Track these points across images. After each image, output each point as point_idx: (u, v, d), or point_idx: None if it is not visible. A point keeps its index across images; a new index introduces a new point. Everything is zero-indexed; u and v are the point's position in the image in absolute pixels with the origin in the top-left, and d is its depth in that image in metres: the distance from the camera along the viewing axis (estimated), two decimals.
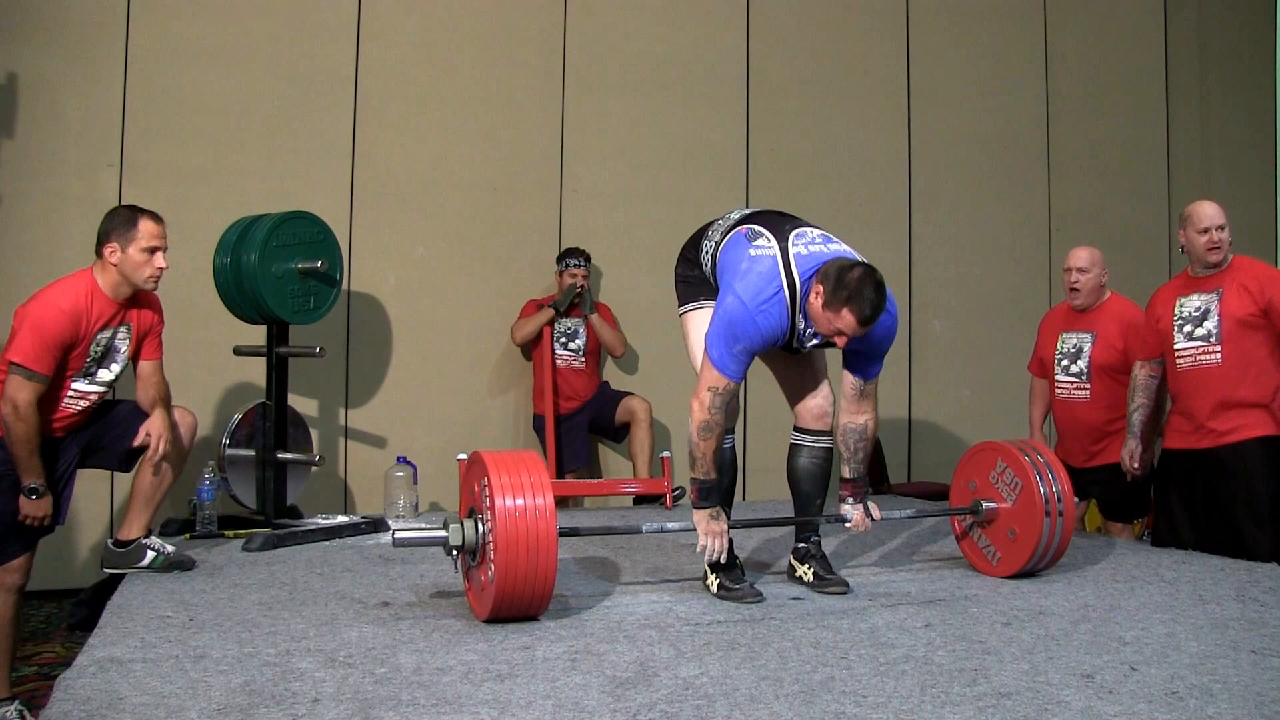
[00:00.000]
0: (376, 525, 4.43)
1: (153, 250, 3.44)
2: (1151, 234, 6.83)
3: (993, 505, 3.50)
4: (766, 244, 3.11)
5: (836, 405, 3.41)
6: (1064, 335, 4.54)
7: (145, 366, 3.61)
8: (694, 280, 3.36)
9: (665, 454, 5.19)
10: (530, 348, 5.51)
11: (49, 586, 4.71)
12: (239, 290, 4.33)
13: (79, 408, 3.50)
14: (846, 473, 3.36)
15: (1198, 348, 3.95)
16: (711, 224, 3.36)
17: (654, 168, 5.92)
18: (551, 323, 5.43)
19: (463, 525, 2.91)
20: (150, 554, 3.55)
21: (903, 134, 6.41)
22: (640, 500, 5.33)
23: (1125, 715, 2.15)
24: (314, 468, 4.63)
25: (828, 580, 3.29)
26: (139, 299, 3.56)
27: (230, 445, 4.41)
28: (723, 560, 3.21)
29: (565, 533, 3.03)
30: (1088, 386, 4.44)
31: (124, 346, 3.54)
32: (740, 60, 6.11)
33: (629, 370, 5.81)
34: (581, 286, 5.44)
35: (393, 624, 2.87)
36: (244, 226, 4.37)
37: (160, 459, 3.52)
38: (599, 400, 5.52)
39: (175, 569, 3.55)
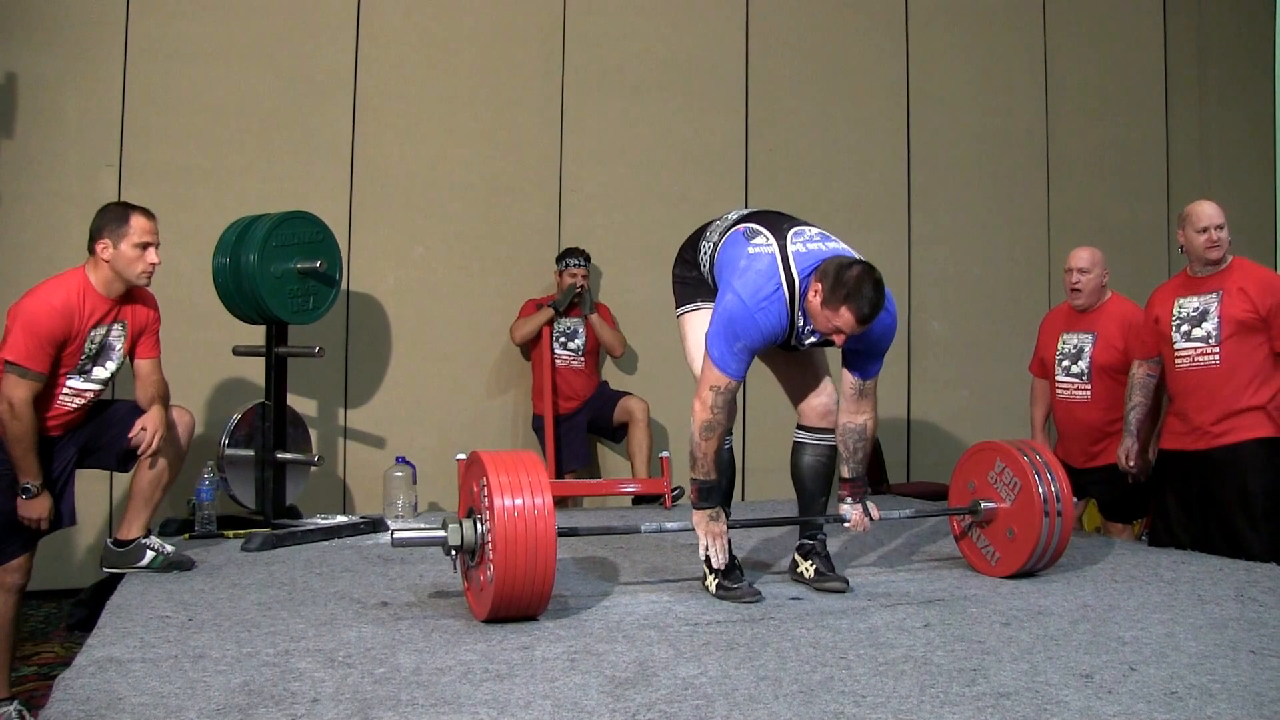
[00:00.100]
0: (375, 525, 4.43)
1: (145, 245, 3.44)
2: (1150, 234, 6.83)
3: (991, 505, 3.51)
4: (765, 242, 3.11)
5: (837, 403, 3.41)
6: (1065, 336, 4.54)
7: (143, 365, 3.61)
8: (691, 281, 3.37)
9: (664, 454, 5.19)
10: (529, 347, 5.51)
11: (48, 586, 4.71)
12: (238, 290, 4.33)
13: (74, 406, 3.50)
14: (845, 472, 3.36)
15: (1196, 348, 3.96)
16: (709, 225, 3.37)
17: (653, 167, 5.92)
18: (551, 322, 5.43)
19: (461, 525, 2.91)
20: (149, 554, 3.55)
21: (902, 134, 6.41)
22: (639, 500, 5.34)
23: (1124, 715, 2.15)
24: (313, 468, 4.63)
25: (827, 577, 3.30)
26: (134, 296, 3.56)
27: (229, 445, 4.41)
28: (722, 561, 3.21)
29: (564, 533, 3.03)
30: (1088, 387, 4.44)
31: (119, 344, 3.54)
32: (739, 60, 6.11)
33: (628, 370, 5.81)
34: (581, 286, 5.44)
35: (392, 624, 2.87)
36: (243, 226, 4.37)
37: (154, 454, 3.52)
38: (598, 400, 5.52)
39: (174, 569, 3.55)
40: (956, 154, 6.51)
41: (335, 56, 5.42)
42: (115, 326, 3.52)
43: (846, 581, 3.30)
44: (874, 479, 5.70)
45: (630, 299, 5.73)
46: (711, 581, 3.23)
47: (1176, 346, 4.01)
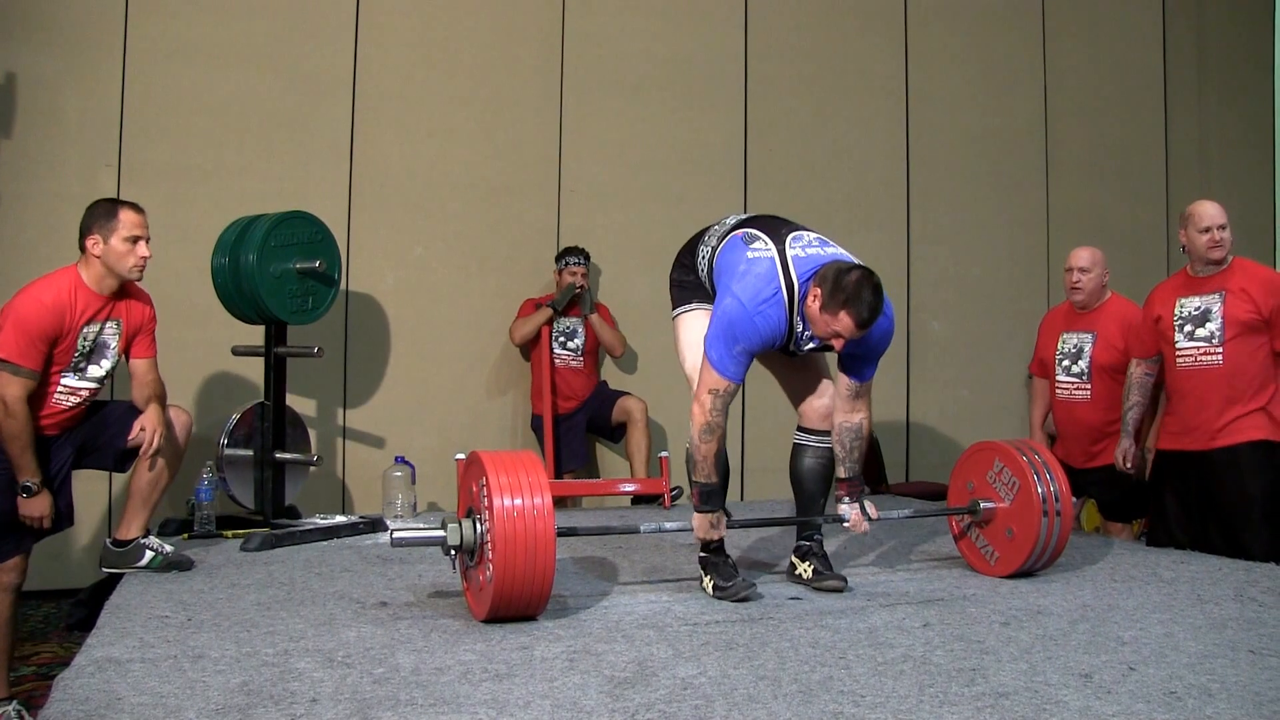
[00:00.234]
0: (375, 525, 4.43)
1: (135, 239, 3.44)
2: (1149, 234, 6.83)
3: (990, 505, 3.51)
4: (764, 247, 3.11)
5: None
6: (1065, 335, 4.54)
7: (139, 365, 3.61)
8: (688, 284, 3.37)
9: (663, 454, 5.19)
10: (529, 348, 5.51)
11: (47, 586, 4.72)
12: (237, 290, 4.33)
13: (70, 404, 3.50)
14: (842, 472, 3.36)
15: (1199, 348, 3.95)
16: (707, 229, 3.37)
17: (652, 167, 5.91)
18: (550, 322, 5.43)
19: (461, 525, 2.91)
20: (148, 554, 3.54)
21: (901, 134, 6.41)
22: (638, 500, 5.34)
23: (1123, 715, 2.15)
24: (312, 468, 4.63)
25: (826, 576, 3.30)
26: (128, 294, 3.56)
27: (228, 445, 4.41)
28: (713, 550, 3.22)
29: (563, 533, 3.03)
30: (1088, 387, 4.44)
31: (113, 342, 3.54)
32: (738, 60, 6.11)
33: (628, 370, 5.81)
34: (581, 286, 5.44)
35: (391, 624, 2.87)
36: (242, 226, 4.37)
37: (154, 454, 3.52)
38: (596, 400, 5.52)
39: (173, 569, 3.54)
40: (956, 154, 6.51)
41: (334, 56, 5.42)
42: (109, 324, 3.51)
43: (845, 580, 3.31)
44: (873, 479, 5.70)
45: (629, 299, 5.73)
46: (708, 583, 3.23)
47: (1179, 346, 4.00)
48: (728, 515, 3.25)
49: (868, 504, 3.37)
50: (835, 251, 3.14)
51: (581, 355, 5.50)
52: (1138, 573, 3.57)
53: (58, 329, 3.37)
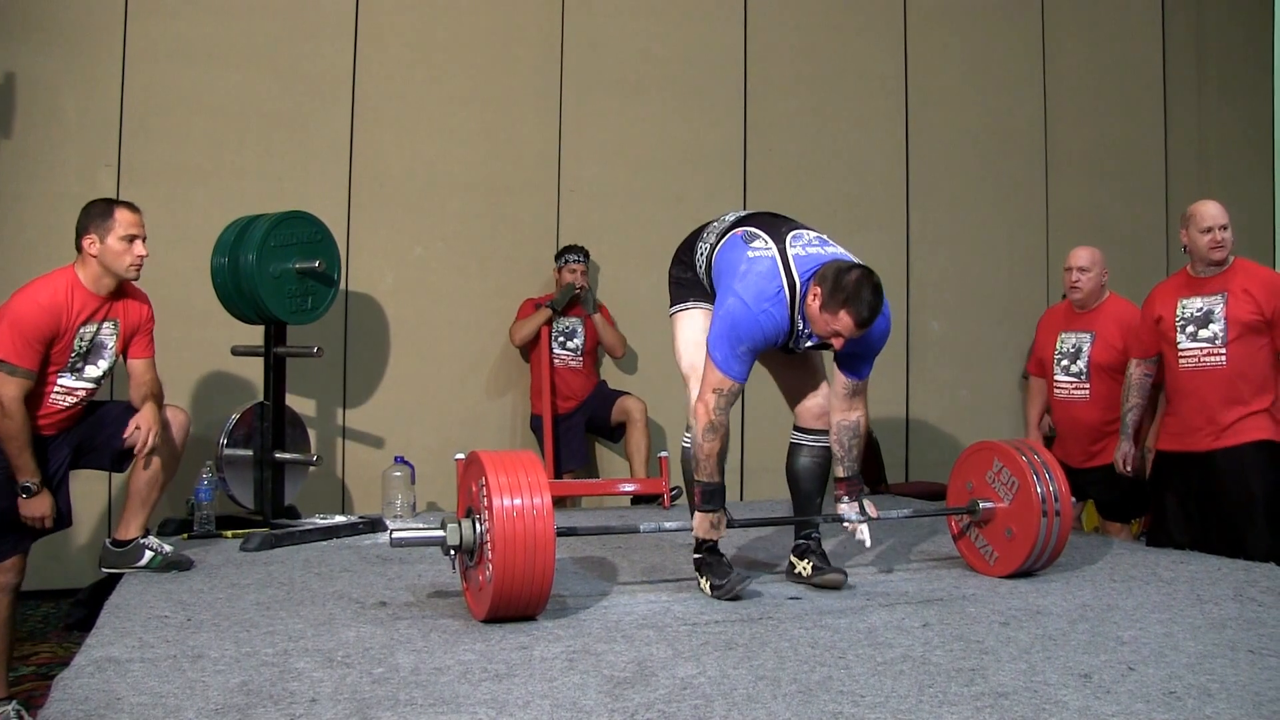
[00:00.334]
0: (374, 525, 4.42)
1: (131, 238, 3.44)
2: (1149, 234, 6.83)
3: (990, 505, 3.51)
4: (764, 245, 3.12)
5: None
6: (1063, 335, 4.54)
7: (136, 365, 3.61)
8: (686, 282, 3.37)
9: (663, 454, 5.19)
10: (528, 348, 5.51)
11: (47, 586, 4.72)
12: (237, 290, 4.33)
13: (67, 404, 3.49)
14: (841, 471, 3.36)
15: (1203, 349, 3.93)
16: (706, 226, 3.37)
17: (651, 167, 5.91)
18: (549, 322, 5.43)
19: (460, 525, 2.91)
20: (148, 554, 3.54)
21: (900, 133, 6.41)
22: (638, 500, 5.33)
23: (1123, 715, 2.15)
24: (312, 468, 4.63)
25: (825, 570, 3.30)
26: (125, 293, 3.56)
27: (228, 445, 4.41)
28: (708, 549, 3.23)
29: (563, 533, 3.04)
30: (1087, 386, 4.44)
31: (111, 342, 3.54)
32: (738, 60, 6.10)
33: (628, 370, 5.81)
34: (582, 286, 5.44)
35: (390, 624, 2.87)
36: (242, 226, 4.37)
37: (149, 452, 3.51)
38: (595, 399, 5.52)
39: (173, 569, 3.54)
40: (955, 153, 6.50)
41: (334, 57, 5.42)
42: (106, 324, 3.51)
43: (844, 574, 3.31)
44: (872, 479, 5.70)
45: (628, 298, 5.73)
46: (705, 584, 3.23)
47: (1181, 347, 3.98)
48: (729, 516, 3.25)
49: (867, 503, 3.38)
50: (835, 251, 3.15)
51: (581, 355, 5.50)
52: (1137, 573, 3.57)
53: (54, 329, 3.37)
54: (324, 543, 4.16)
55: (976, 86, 6.57)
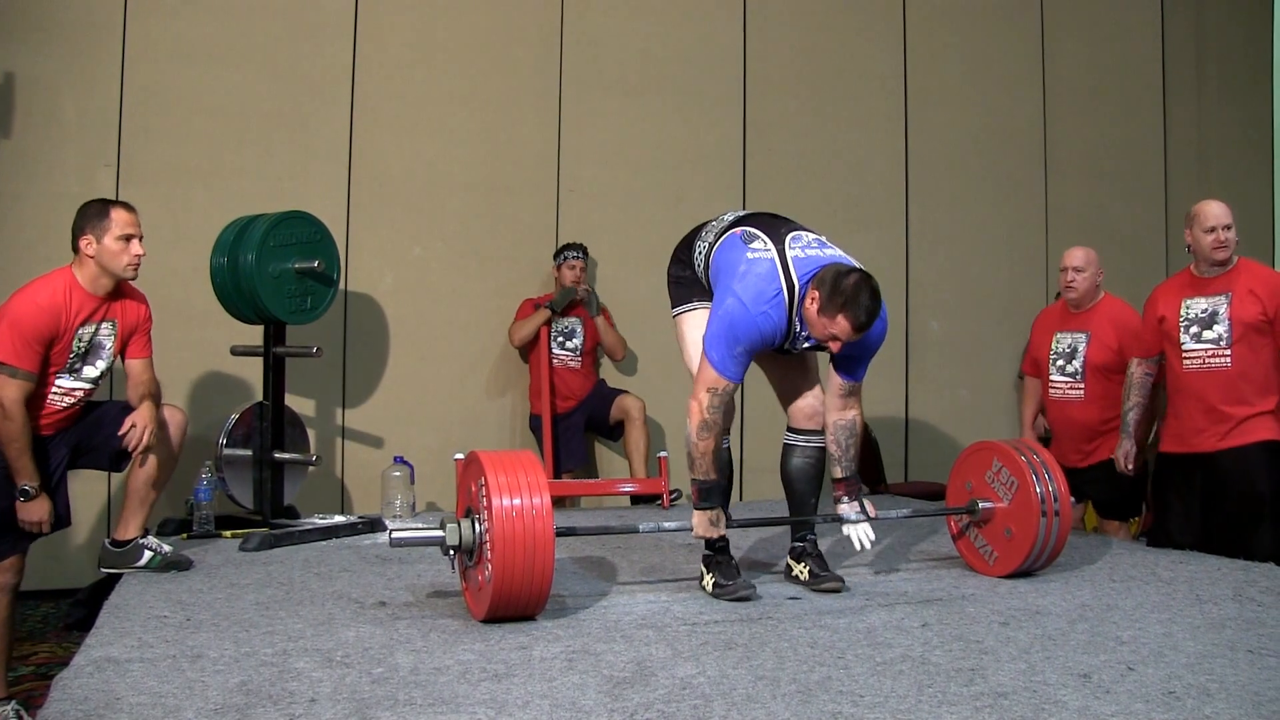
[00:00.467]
0: (373, 525, 4.42)
1: (128, 238, 3.44)
2: (1148, 234, 6.83)
3: (989, 505, 3.51)
4: (763, 247, 3.12)
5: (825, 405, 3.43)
6: (1058, 335, 4.54)
7: (134, 365, 3.61)
8: (686, 281, 3.37)
9: (663, 454, 5.19)
10: (527, 348, 5.51)
11: (46, 586, 4.71)
12: (236, 290, 4.32)
13: (65, 405, 3.49)
14: (839, 471, 3.36)
15: (1207, 350, 3.91)
16: (705, 225, 3.37)
17: (651, 167, 5.92)
18: (549, 323, 5.43)
19: (460, 525, 2.91)
20: (147, 554, 3.54)
21: (900, 133, 6.41)
22: (636, 500, 5.33)
23: (1122, 715, 2.15)
24: (311, 468, 4.63)
25: (823, 577, 3.30)
26: (123, 294, 3.56)
27: (227, 445, 4.41)
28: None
29: (562, 532, 3.04)
30: (1082, 386, 4.44)
31: (109, 342, 3.53)
32: (737, 60, 6.10)
33: (628, 370, 5.81)
34: (586, 289, 5.44)
35: (390, 624, 2.87)
36: (241, 226, 4.37)
37: (145, 449, 3.51)
38: (594, 398, 5.52)
39: (172, 569, 3.54)
40: (954, 153, 6.50)
41: (333, 57, 5.42)
42: (104, 325, 3.51)
43: (842, 580, 3.31)
44: (872, 479, 5.70)
45: (628, 298, 5.73)
46: (708, 581, 3.23)
47: (1185, 348, 3.96)
48: (727, 515, 3.25)
49: (866, 503, 3.38)
50: (834, 253, 3.16)
51: (580, 355, 5.50)
52: (1136, 573, 3.57)
53: (54, 330, 3.36)
54: (323, 543, 4.16)
55: (976, 86, 6.57)
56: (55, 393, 3.46)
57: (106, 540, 3.60)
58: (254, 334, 4.57)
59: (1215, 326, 3.89)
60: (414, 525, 4.30)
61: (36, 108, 4.96)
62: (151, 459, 3.54)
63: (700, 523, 3.19)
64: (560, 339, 5.47)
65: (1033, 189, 6.67)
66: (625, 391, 5.53)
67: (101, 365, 3.54)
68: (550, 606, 2.95)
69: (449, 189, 5.60)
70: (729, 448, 3.31)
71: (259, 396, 4.52)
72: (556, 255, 5.54)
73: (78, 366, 3.48)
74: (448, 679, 2.38)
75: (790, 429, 3.45)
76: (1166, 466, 4.10)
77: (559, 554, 3.07)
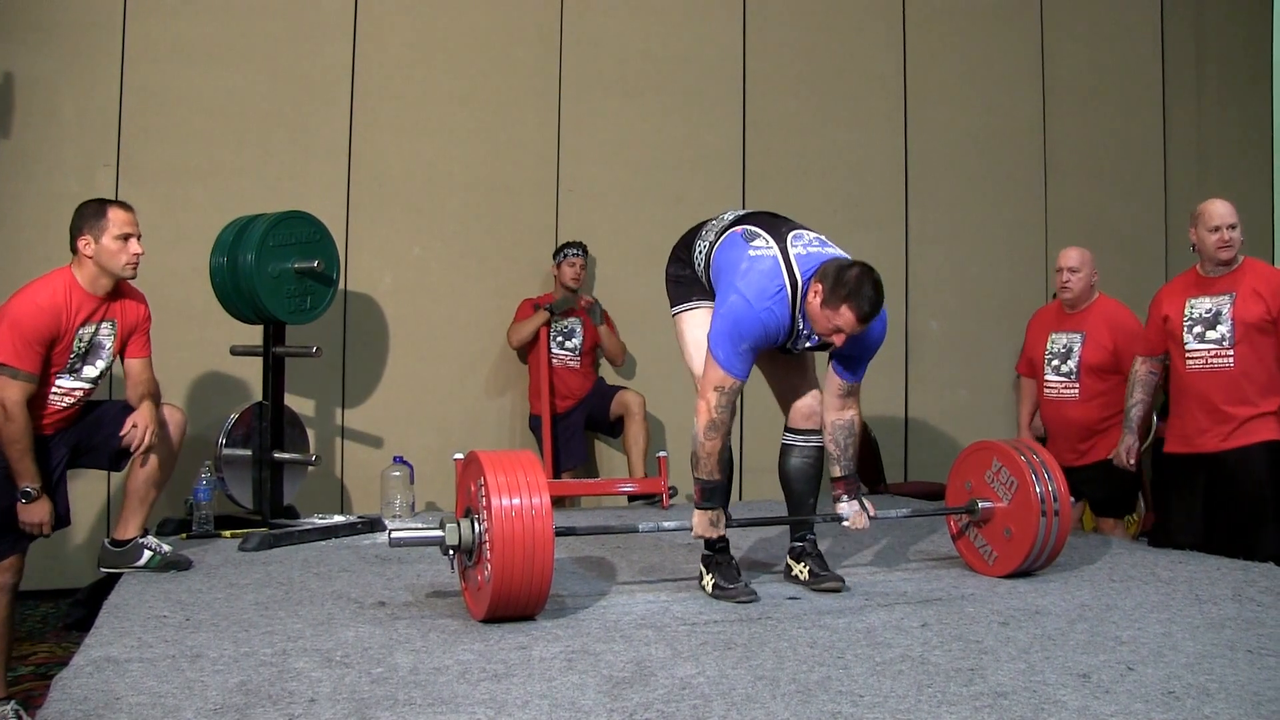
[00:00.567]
0: (373, 525, 4.42)
1: (126, 237, 3.43)
2: (1148, 234, 6.83)
3: (989, 504, 3.51)
4: (765, 244, 3.12)
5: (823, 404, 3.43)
6: (1054, 335, 4.56)
7: (133, 364, 3.60)
8: (686, 280, 3.37)
9: (662, 454, 5.18)
10: (526, 348, 5.51)
11: (45, 586, 4.71)
12: (235, 290, 4.32)
13: (64, 405, 3.49)
14: (838, 470, 3.37)
15: (1210, 350, 3.89)
16: (704, 224, 3.37)
17: (650, 167, 5.92)
18: (548, 324, 5.42)
19: (459, 525, 2.91)
20: (147, 554, 3.54)
21: (899, 134, 6.41)
22: (634, 499, 5.33)
23: (1122, 715, 2.15)
24: (310, 467, 4.63)
25: (823, 577, 3.30)
26: (122, 294, 3.56)
27: (227, 445, 4.41)
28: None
29: (561, 532, 3.04)
30: (1077, 385, 4.46)
31: (108, 342, 3.53)
32: (736, 60, 6.10)
33: (627, 370, 5.80)
34: (589, 301, 5.44)
35: (389, 624, 2.87)
36: (240, 226, 4.37)
37: (146, 450, 3.51)
38: (594, 396, 5.52)
39: (172, 569, 3.54)
40: (954, 153, 6.50)
41: (333, 56, 5.42)
42: (104, 325, 3.51)
43: (842, 580, 3.31)
44: (871, 478, 5.70)
45: (627, 298, 5.73)
46: (709, 581, 3.23)
47: (1188, 348, 3.94)
48: (728, 515, 3.25)
49: (866, 502, 3.38)
50: (835, 251, 3.17)
51: (579, 355, 5.50)
52: (1136, 572, 3.57)
53: (54, 331, 3.36)
54: (323, 543, 4.16)
55: (976, 86, 6.57)
56: (55, 393, 3.45)
57: (106, 540, 3.60)
58: (253, 334, 4.57)
59: (1218, 326, 3.88)
60: (413, 525, 4.30)
61: (36, 107, 4.96)
62: (152, 459, 3.55)
63: (700, 522, 3.19)
64: (560, 339, 5.47)
65: (1032, 189, 6.67)
66: (625, 387, 5.53)
67: (101, 365, 3.54)
68: (550, 606, 2.95)
69: (449, 189, 5.60)
70: (729, 447, 3.31)
71: (258, 396, 4.52)
72: (556, 254, 5.54)
73: (77, 366, 3.48)
74: (447, 679, 2.38)
75: (788, 429, 3.45)
76: (1170, 467, 4.09)
77: (558, 554, 3.07)
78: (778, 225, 3.22)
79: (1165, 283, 6.58)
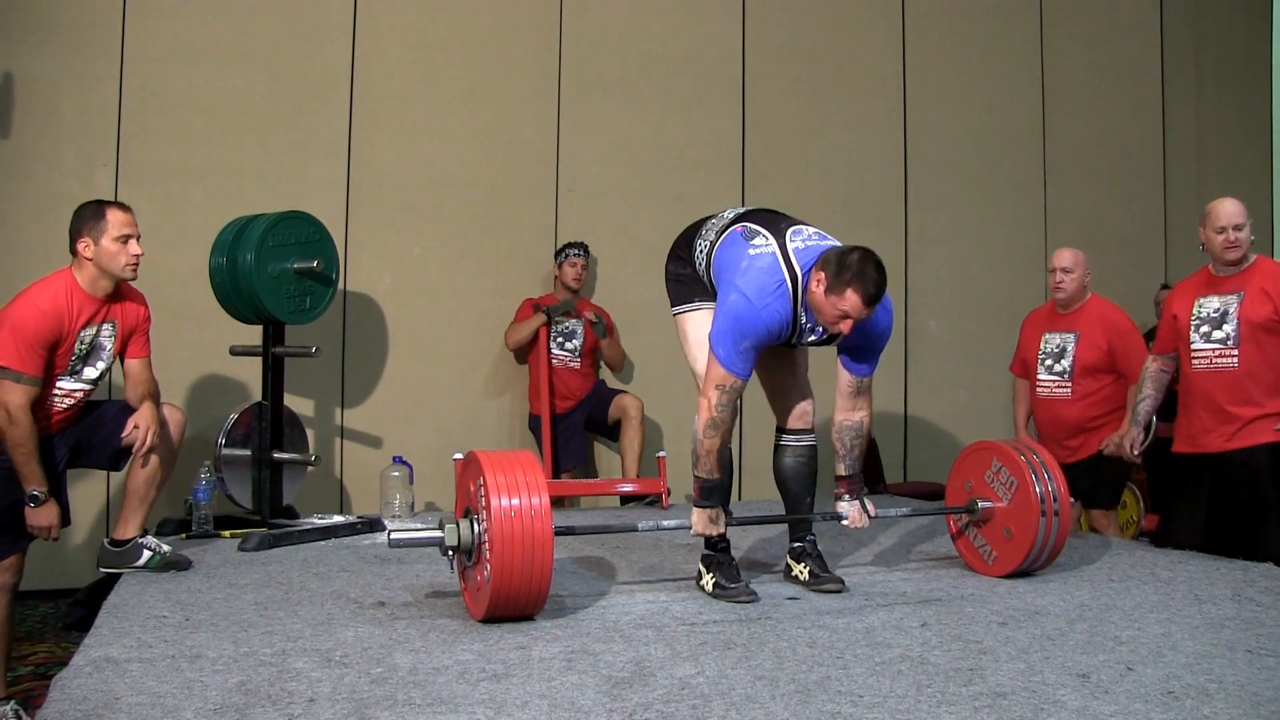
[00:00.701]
0: (372, 525, 4.42)
1: (125, 238, 3.43)
2: (1147, 234, 6.84)
3: (988, 504, 3.51)
4: (764, 242, 3.12)
5: (819, 406, 3.43)
6: (1047, 336, 4.59)
7: (133, 365, 3.60)
8: (686, 279, 3.37)
9: (661, 454, 5.18)
10: (526, 349, 5.51)
11: (45, 586, 4.71)
12: (235, 290, 4.32)
13: (64, 406, 3.49)
14: (841, 470, 3.37)
15: (1214, 350, 3.87)
16: (704, 223, 3.37)
17: (650, 167, 5.92)
18: (546, 325, 5.42)
19: (458, 525, 2.91)
20: (146, 554, 3.54)
21: (899, 133, 6.41)
22: (627, 500, 5.32)
23: (1121, 715, 2.15)
24: (310, 468, 4.63)
25: (823, 578, 3.30)
26: (122, 295, 3.55)
27: (226, 445, 4.41)
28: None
29: (561, 532, 3.04)
30: (1069, 385, 4.48)
31: (109, 344, 3.53)
32: (736, 60, 6.11)
33: (626, 372, 5.80)
34: (593, 317, 5.44)
35: (389, 624, 2.87)
36: (240, 226, 4.37)
37: (148, 451, 3.51)
38: (593, 398, 5.52)
39: (171, 569, 3.54)
40: (953, 153, 6.51)
41: (332, 56, 5.42)
42: (105, 326, 3.51)
43: (842, 582, 3.31)
44: (870, 478, 5.68)
45: (627, 298, 5.73)
46: (708, 581, 3.23)
47: (1194, 347, 3.91)
48: (728, 514, 3.25)
49: (867, 502, 3.38)
50: (834, 244, 3.16)
51: (579, 356, 5.49)
52: (1135, 573, 3.57)
53: (57, 334, 3.36)
54: (322, 543, 4.15)
55: (975, 87, 6.58)
56: (55, 394, 3.45)
57: (105, 540, 3.60)
58: (253, 334, 4.57)
59: (1224, 326, 3.85)
60: (413, 525, 4.29)
61: (35, 107, 4.96)
62: (152, 458, 3.55)
63: (700, 520, 3.19)
64: (560, 339, 5.47)
65: (1031, 189, 6.67)
66: (624, 390, 5.53)
67: (101, 366, 3.54)
68: (549, 606, 2.95)
69: (448, 189, 5.60)
70: (729, 447, 3.31)
71: (258, 396, 4.51)
72: (558, 254, 5.54)
73: (78, 368, 3.47)
74: (446, 679, 2.38)
75: (780, 429, 3.45)
76: (1175, 466, 4.09)
77: (558, 553, 3.07)
78: (777, 222, 3.22)
79: (1164, 282, 6.62)
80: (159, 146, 5.12)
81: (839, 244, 3.16)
